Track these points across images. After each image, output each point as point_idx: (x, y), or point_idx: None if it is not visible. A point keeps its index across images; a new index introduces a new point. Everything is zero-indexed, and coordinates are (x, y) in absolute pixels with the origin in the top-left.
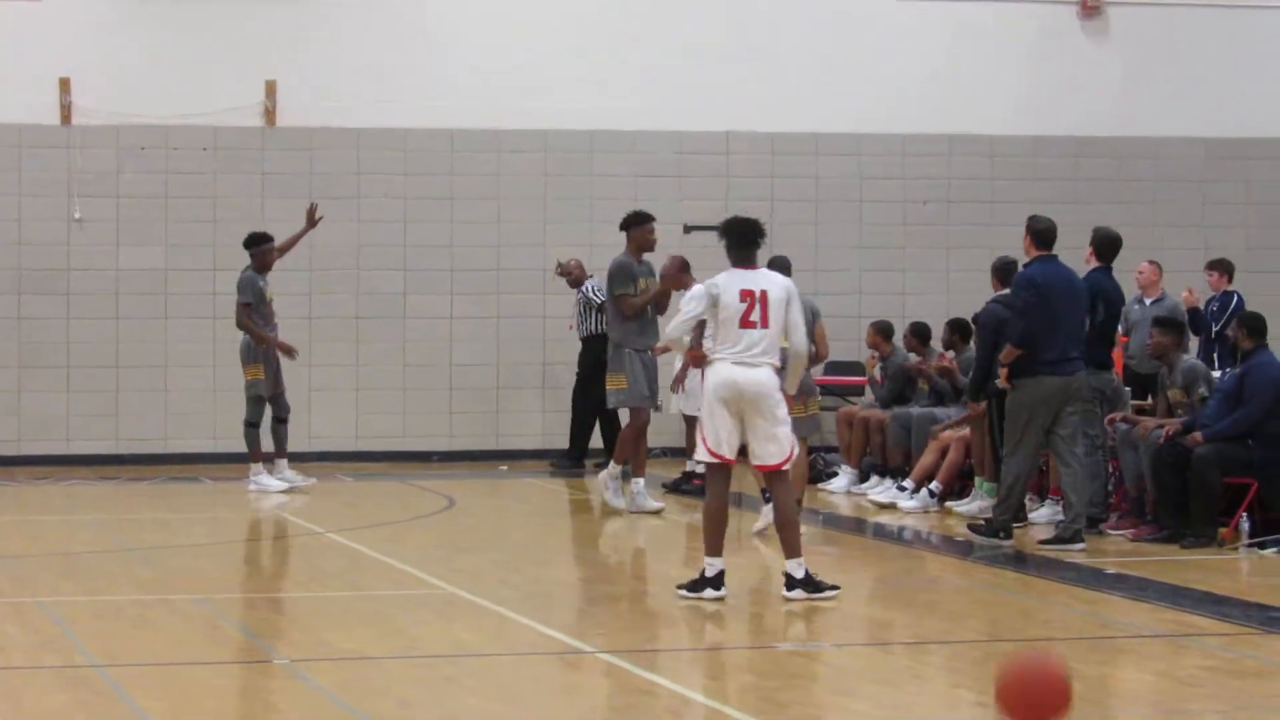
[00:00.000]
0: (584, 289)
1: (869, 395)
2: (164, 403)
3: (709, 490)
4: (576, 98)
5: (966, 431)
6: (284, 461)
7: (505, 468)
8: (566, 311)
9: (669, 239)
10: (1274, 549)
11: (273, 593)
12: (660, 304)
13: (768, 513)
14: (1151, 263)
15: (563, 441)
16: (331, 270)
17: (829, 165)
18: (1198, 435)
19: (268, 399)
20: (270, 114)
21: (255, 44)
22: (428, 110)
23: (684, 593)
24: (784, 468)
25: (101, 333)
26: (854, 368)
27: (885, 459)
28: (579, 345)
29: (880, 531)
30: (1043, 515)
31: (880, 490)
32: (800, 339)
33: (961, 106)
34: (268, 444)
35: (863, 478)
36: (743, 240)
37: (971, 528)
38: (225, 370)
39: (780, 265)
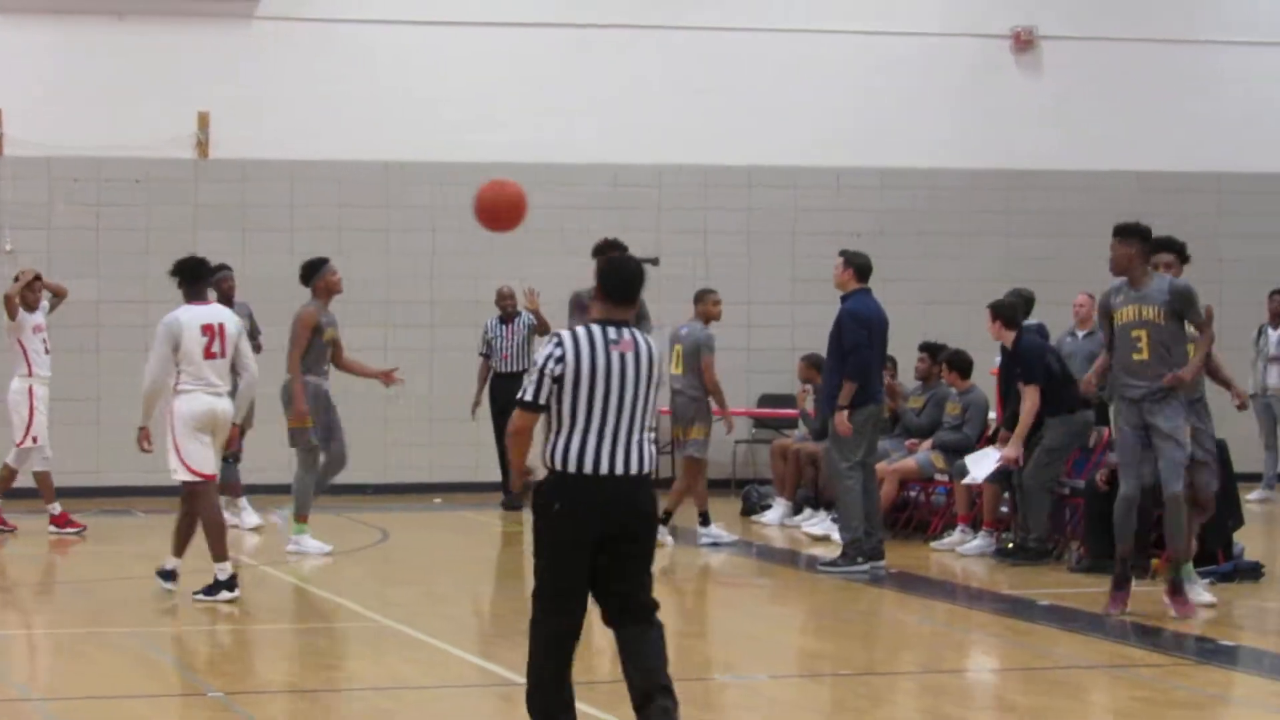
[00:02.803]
0: (520, 321)
1: (802, 428)
2: (96, 435)
3: (209, 502)
4: (511, 130)
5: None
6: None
7: (439, 500)
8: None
9: None
10: (1206, 580)
11: (206, 626)
12: None
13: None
14: (1089, 295)
15: (497, 473)
16: (266, 303)
17: (762, 198)
18: (1103, 475)
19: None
20: (203, 146)
21: (188, 75)
22: (362, 142)
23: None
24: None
25: None
26: (787, 400)
27: (818, 491)
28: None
29: (814, 563)
30: (974, 547)
31: (814, 522)
32: (252, 369)
33: (895, 140)
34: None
35: (796, 510)
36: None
37: (825, 564)
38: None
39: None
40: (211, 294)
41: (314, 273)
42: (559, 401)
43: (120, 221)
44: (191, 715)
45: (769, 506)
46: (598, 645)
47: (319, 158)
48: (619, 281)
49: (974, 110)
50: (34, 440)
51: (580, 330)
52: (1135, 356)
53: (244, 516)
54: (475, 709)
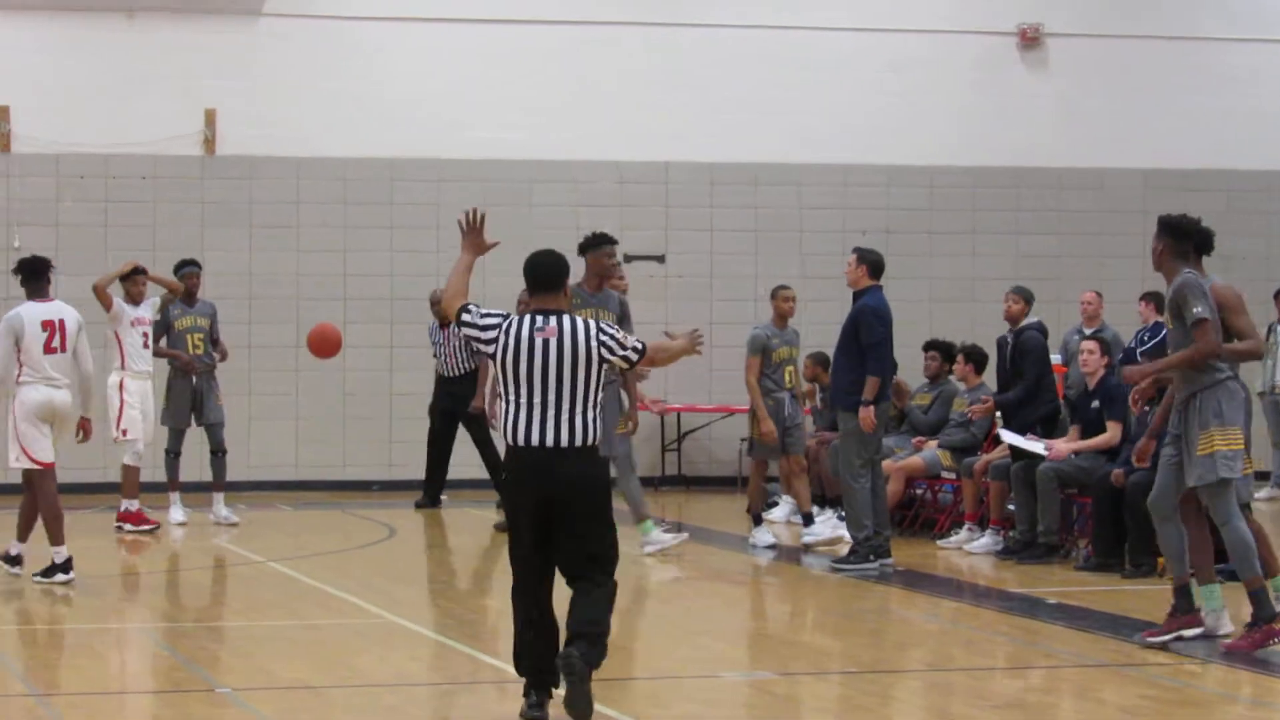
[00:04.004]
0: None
1: (810, 425)
2: (103, 431)
3: (48, 489)
4: (516, 127)
5: (917, 460)
6: (220, 496)
7: (446, 498)
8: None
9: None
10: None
11: (213, 622)
12: None
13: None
14: (1097, 293)
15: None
16: (270, 299)
17: (768, 195)
18: (1119, 473)
19: None
20: (210, 143)
21: (195, 73)
22: (367, 140)
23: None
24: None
25: None
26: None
27: (825, 489)
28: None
29: (821, 560)
30: (981, 545)
31: (820, 519)
32: (88, 366)
33: (901, 137)
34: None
35: None
36: None
37: (837, 562)
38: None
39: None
40: (52, 290)
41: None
42: (499, 379)
43: (127, 218)
44: (199, 711)
45: (775, 504)
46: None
47: (325, 154)
48: (536, 275)
49: (980, 108)
50: (123, 433)
51: (515, 318)
52: None
53: (218, 510)
54: (481, 705)
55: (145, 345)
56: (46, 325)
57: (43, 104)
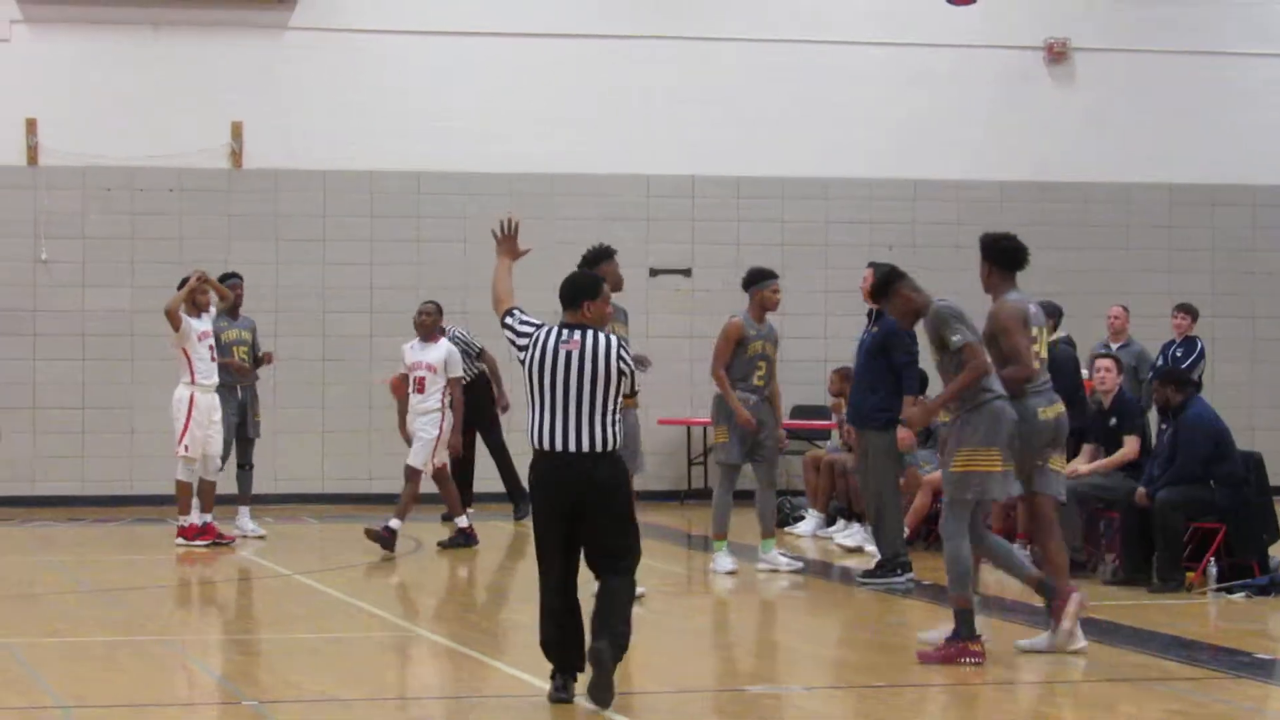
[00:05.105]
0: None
1: (835, 439)
2: (130, 444)
3: None
4: (543, 140)
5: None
6: (245, 509)
7: (472, 510)
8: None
9: (635, 282)
10: (1242, 593)
11: (240, 635)
12: None
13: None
14: (1123, 308)
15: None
16: (297, 312)
17: (795, 209)
18: (1143, 492)
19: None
20: (236, 156)
21: (221, 86)
22: (393, 153)
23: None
24: None
25: (67, 374)
26: (820, 412)
27: (850, 503)
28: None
29: (847, 575)
30: None
31: (847, 534)
32: None
33: (927, 151)
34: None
35: (829, 521)
36: None
37: (864, 576)
38: None
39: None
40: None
41: None
42: (526, 385)
43: (154, 231)
44: None
45: (802, 518)
46: (638, 659)
47: (352, 167)
48: (561, 292)
49: (1007, 122)
50: (185, 449)
51: (547, 328)
52: None
53: (243, 523)
54: (504, 718)
55: (212, 358)
56: None
57: (70, 117)
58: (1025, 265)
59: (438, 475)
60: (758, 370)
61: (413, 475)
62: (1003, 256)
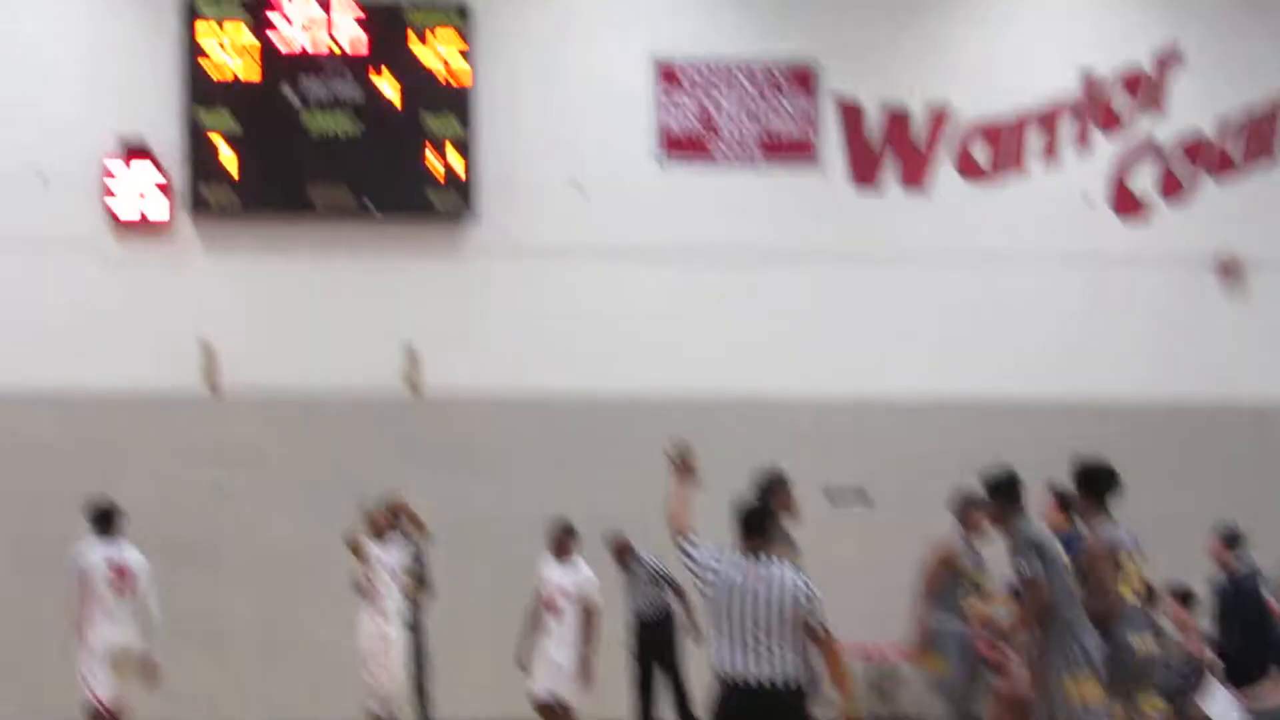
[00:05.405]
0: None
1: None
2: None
3: None
4: (717, 364)
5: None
6: None
7: None
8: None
9: (819, 506)
10: None
11: None
12: None
13: None
14: None
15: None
16: (477, 538)
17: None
18: None
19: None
20: (413, 381)
21: (398, 311)
22: (568, 378)
23: None
24: None
25: (251, 605)
26: None
27: None
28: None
29: None
30: None
31: None
32: None
33: (1091, 372)
34: None
35: None
36: None
37: None
38: None
39: None
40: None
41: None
42: (710, 613)
43: (332, 457)
44: None
45: None
46: None
47: (530, 391)
48: (736, 520)
49: (1175, 338)
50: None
51: (728, 560)
52: None
53: None
54: None
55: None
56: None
57: (248, 347)
58: (1117, 492)
59: None
60: (969, 603)
61: None
62: (1094, 485)
